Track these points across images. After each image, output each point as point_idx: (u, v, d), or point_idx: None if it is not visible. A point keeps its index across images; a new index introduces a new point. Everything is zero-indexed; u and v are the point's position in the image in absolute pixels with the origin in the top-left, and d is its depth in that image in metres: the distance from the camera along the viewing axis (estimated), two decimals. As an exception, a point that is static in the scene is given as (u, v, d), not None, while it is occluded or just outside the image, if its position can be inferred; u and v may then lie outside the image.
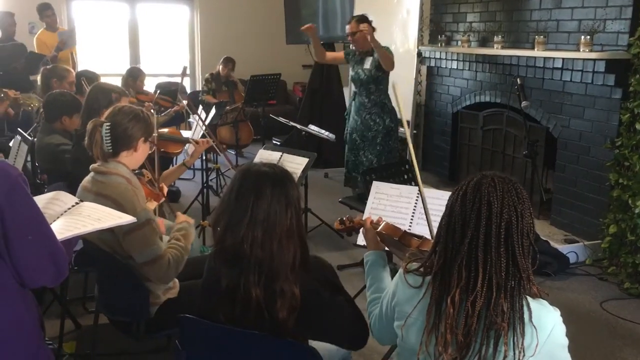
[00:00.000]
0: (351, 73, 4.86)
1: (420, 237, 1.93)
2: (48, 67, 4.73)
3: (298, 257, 1.68)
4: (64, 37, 6.29)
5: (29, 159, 3.54)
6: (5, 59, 5.88)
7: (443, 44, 5.99)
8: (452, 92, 6.04)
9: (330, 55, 5.17)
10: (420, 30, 5.91)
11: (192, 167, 3.86)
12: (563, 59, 4.47)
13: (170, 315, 2.34)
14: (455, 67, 5.87)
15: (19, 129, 3.76)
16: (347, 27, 4.73)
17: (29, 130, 4.01)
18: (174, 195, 5.61)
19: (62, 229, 1.55)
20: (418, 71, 6.06)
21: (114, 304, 2.51)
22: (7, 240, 1.35)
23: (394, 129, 4.80)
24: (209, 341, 1.78)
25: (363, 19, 4.67)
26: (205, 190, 4.94)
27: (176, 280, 2.52)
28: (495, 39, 5.20)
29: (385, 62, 4.54)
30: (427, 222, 2.07)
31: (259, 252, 1.63)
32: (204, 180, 4.99)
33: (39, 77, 6.32)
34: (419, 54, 5.95)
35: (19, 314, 1.47)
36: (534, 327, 1.41)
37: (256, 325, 1.65)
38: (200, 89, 7.57)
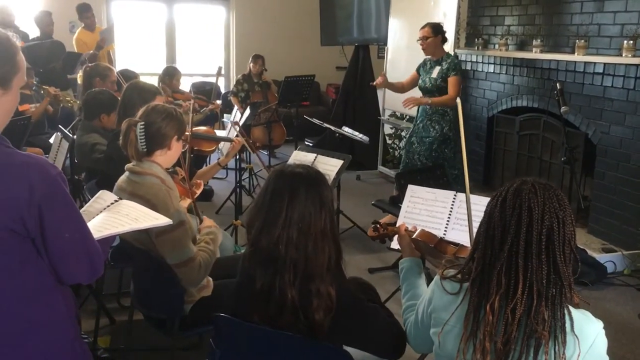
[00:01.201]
0: (419, 82, 4.85)
1: (456, 244, 1.90)
2: (90, 65, 4.79)
3: (333, 257, 1.68)
4: (104, 35, 6.41)
5: (68, 155, 3.60)
6: (42, 57, 5.98)
7: (480, 47, 5.91)
8: (488, 96, 5.96)
9: (407, 80, 5.06)
10: (457, 33, 5.85)
11: (225, 166, 3.87)
12: (604, 64, 4.37)
13: (203, 313, 2.37)
14: (492, 71, 5.79)
15: (60, 126, 3.83)
16: (421, 30, 4.73)
17: (69, 127, 4.08)
18: (207, 194, 5.65)
19: (99, 227, 1.56)
20: (454, 74, 6.00)
21: (149, 300, 2.54)
22: (44, 238, 1.37)
23: (451, 138, 4.73)
24: (243, 341, 1.78)
25: (438, 28, 4.70)
26: (238, 189, 4.97)
27: (210, 278, 2.53)
28: (534, 42, 5.11)
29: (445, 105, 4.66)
30: (469, 228, 2.04)
31: (293, 252, 1.63)
32: (237, 179, 5.02)
33: (78, 76, 6.47)
34: (456, 57, 5.88)
35: (56, 310, 1.49)
36: (576, 337, 1.37)
37: (291, 326, 1.65)
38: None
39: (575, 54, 4.64)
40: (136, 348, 3.00)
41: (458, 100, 2.36)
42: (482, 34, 6.04)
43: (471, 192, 2.22)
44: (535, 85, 5.25)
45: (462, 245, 1.88)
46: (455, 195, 2.64)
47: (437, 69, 4.70)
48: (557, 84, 4.14)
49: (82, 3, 6.67)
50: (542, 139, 5.25)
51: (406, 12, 6.28)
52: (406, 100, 4.69)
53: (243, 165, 5.48)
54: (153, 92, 3.33)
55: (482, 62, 5.91)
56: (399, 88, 5.09)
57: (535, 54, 5.10)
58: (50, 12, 6.49)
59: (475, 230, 2.07)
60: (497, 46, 5.72)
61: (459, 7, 5.66)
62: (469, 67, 6.16)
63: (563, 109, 4.03)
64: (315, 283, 1.63)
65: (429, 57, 4.82)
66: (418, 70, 4.93)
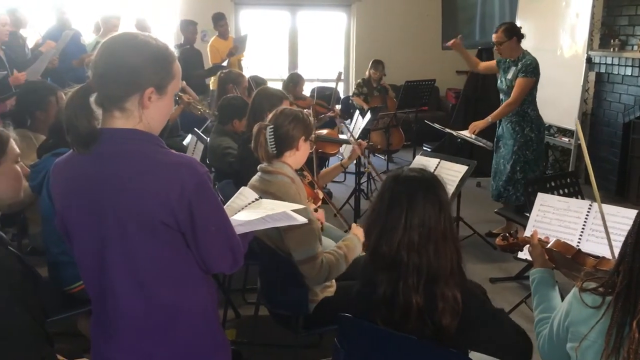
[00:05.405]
0: (498, 82, 4.68)
1: (596, 257, 1.79)
2: (224, 72, 5.07)
3: (455, 260, 1.66)
4: (237, 43, 6.76)
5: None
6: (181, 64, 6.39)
7: (616, 49, 5.55)
8: (624, 101, 5.57)
9: (483, 64, 4.97)
10: (591, 34, 5.53)
11: (345, 169, 3.94)
12: None
13: (326, 313, 2.42)
14: (630, 74, 5.41)
15: (195, 129, 4.07)
16: (494, 35, 4.50)
17: (201, 130, 4.34)
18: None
19: (241, 222, 1.65)
20: (586, 77, 5.67)
21: (275, 297, 2.64)
22: (194, 231, 1.48)
23: (533, 140, 4.48)
24: (368, 342, 1.79)
25: (511, 30, 4.42)
26: (356, 193, 5.02)
27: (333, 279, 2.58)
28: (680, 42, 4.72)
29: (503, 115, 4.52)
30: (607, 239, 1.93)
31: (416, 257, 1.63)
32: (356, 183, 5.07)
33: (210, 82, 6.85)
34: (588, 60, 5.56)
35: (204, 299, 1.60)
36: None
37: (417, 332, 1.64)
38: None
39: None
40: (260, 342, 3.13)
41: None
42: (619, 35, 5.66)
43: (603, 203, 2.08)
44: (679, 89, 4.84)
45: (604, 258, 1.77)
46: (590, 205, 2.50)
47: (513, 69, 4.45)
48: None
49: (217, 12, 7.08)
50: (686, 147, 4.83)
51: (535, 13, 6.03)
52: (470, 128, 4.68)
53: (362, 169, 5.52)
54: (279, 97, 3.47)
55: (619, 65, 5.54)
56: (472, 62, 4.90)
57: (680, 55, 4.70)
58: (196, 22, 6.92)
59: (615, 242, 1.96)
60: (635, 47, 5.33)
61: (593, 6, 5.36)
62: (602, 70, 5.81)
63: None
64: (440, 286, 1.62)
65: None
66: (498, 64, 4.67)
